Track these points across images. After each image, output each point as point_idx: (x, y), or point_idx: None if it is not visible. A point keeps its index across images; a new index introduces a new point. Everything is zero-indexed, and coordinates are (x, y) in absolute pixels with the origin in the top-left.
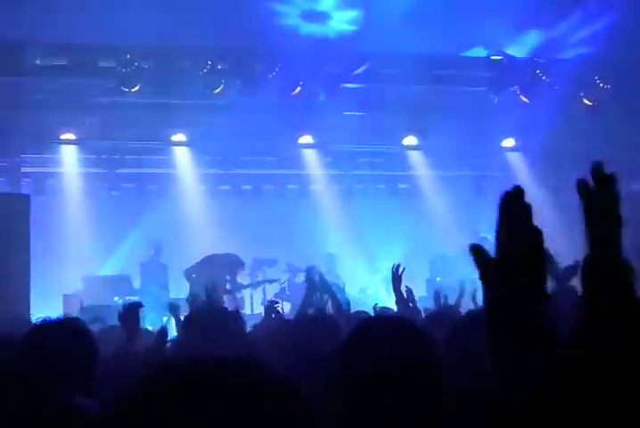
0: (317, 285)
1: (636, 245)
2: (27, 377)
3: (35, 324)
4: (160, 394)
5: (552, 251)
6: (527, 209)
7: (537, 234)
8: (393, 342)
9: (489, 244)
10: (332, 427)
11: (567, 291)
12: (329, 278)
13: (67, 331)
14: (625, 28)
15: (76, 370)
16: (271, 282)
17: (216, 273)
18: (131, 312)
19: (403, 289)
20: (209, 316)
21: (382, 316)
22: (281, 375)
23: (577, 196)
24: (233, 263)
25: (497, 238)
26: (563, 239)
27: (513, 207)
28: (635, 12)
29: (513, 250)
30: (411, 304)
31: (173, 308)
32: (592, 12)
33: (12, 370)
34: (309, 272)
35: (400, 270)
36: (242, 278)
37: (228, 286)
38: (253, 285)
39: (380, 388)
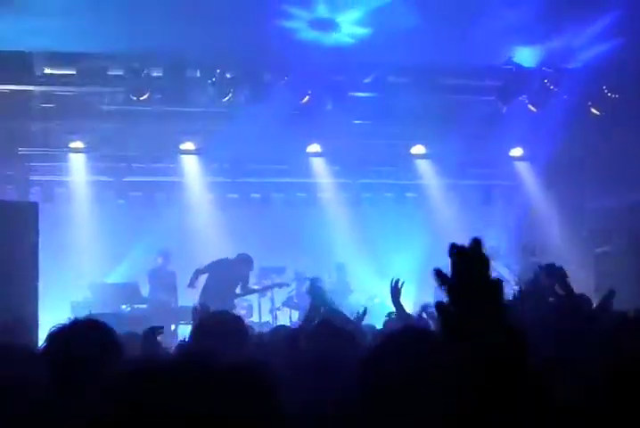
0: (321, 299)
1: None
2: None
3: (62, 326)
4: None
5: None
6: (485, 262)
7: (494, 288)
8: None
9: (497, 253)
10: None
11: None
12: (339, 287)
13: (95, 339)
14: (634, 37)
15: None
16: (280, 286)
17: (227, 275)
18: (150, 337)
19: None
20: (214, 324)
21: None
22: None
23: (581, 205)
24: (246, 262)
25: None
26: (569, 246)
27: (472, 259)
28: None
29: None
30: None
31: None
32: (600, 21)
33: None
34: (313, 284)
35: (400, 284)
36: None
37: (239, 290)
38: (263, 290)
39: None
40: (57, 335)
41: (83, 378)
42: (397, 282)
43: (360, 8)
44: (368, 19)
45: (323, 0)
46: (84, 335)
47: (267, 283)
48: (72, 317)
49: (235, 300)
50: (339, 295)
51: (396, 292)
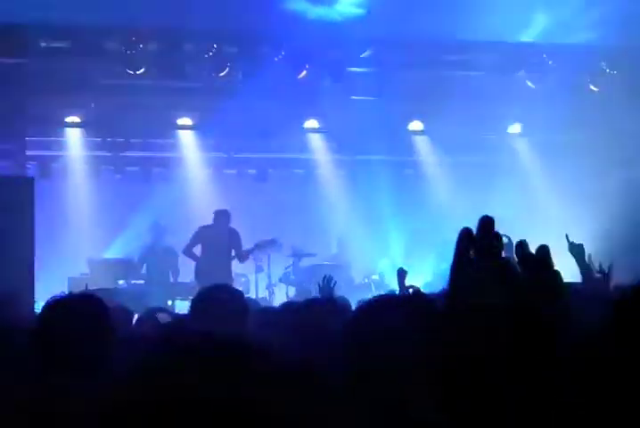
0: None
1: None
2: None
3: (53, 299)
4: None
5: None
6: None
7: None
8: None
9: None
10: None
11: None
12: (340, 262)
13: (86, 310)
14: (633, 13)
15: (90, 352)
16: (272, 244)
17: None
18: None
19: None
20: (214, 297)
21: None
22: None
23: (579, 181)
24: (222, 217)
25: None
26: (565, 221)
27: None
28: None
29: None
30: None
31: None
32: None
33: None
34: (326, 284)
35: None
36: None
37: (233, 253)
38: (256, 248)
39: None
40: (51, 308)
41: (76, 352)
42: (401, 270)
43: None
44: None
45: None
46: (78, 308)
47: (264, 258)
48: (68, 292)
49: (233, 275)
50: (340, 270)
51: (402, 278)
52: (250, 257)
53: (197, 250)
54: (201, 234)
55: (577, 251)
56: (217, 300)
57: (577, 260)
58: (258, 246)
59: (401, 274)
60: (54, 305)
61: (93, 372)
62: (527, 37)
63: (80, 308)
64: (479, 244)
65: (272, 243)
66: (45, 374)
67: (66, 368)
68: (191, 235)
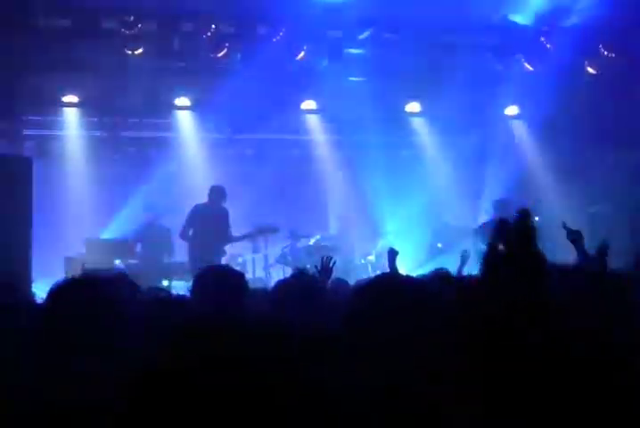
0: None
1: None
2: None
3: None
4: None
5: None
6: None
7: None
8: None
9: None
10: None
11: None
12: (340, 243)
13: (94, 295)
14: None
15: (102, 336)
16: (274, 230)
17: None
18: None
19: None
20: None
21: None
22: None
23: (577, 163)
24: (218, 194)
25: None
26: (562, 204)
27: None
28: None
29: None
30: None
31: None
32: None
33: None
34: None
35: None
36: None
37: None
38: (253, 234)
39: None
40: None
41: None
42: (392, 250)
43: None
44: None
45: None
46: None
47: (262, 242)
48: (67, 274)
49: (227, 256)
50: (337, 251)
51: (392, 258)
52: (242, 240)
53: (191, 231)
54: (196, 214)
55: (575, 237)
56: (219, 282)
57: (576, 247)
58: (260, 230)
59: (391, 254)
60: (59, 292)
61: (106, 355)
62: (524, 19)
63: (88, 294)
64: (515, 237)
65: (273, 230)
66: (56, 359)
67: (78, 354)
68: (186, 216)
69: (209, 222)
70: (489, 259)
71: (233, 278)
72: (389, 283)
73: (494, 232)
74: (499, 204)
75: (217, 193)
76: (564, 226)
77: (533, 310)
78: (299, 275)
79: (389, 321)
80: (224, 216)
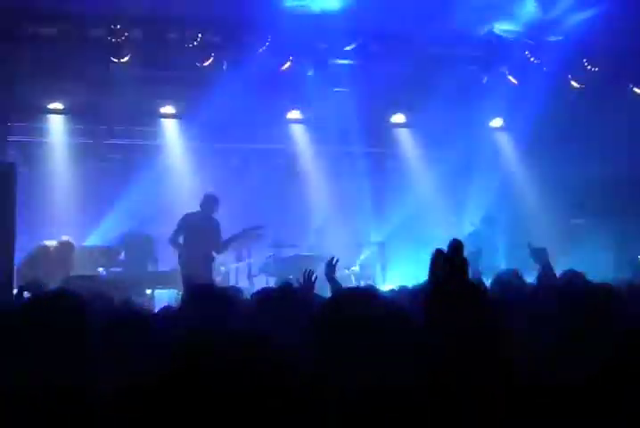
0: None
1: None
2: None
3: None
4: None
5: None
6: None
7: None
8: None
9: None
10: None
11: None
12: (317, 252)
13: (61, 305)
14: (614, 11)
15: (68, 347)
16: (259, 228)
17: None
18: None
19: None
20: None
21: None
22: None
23: (560, 175)
24: (210, 202)
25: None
26: (546, 216)
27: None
28: None
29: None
30: None
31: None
32: None
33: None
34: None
35: (335, 261)
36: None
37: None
38: (241, 235)
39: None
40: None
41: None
42: (332, 259)
43: None
44: None
45: None
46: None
47: (244, 250)
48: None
49: (215, 263)
50: (320, 262)
51: (330, 269)
52: (232, 245)
53: (182, 238)
54: (185, 223)
55: (539, 255)
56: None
57: (539, 263)
58: (245, 231)
59: (330, 269)
60: (32, 305)
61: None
62: (510, 32)
63: (58, 307)
64: (450, 264)
65: (259, 228)
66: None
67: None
68: (176, 224)
69: (198, 232)
70: (432, 288)
71: (220, 294)
72: (351, 298)
73: (431, 262)
74: (486, 219)
75: (208, 201)
76: (528, 245)
77: (469, 339)
78: (281, 287)
79: (347, 334)
80: (215, 227)
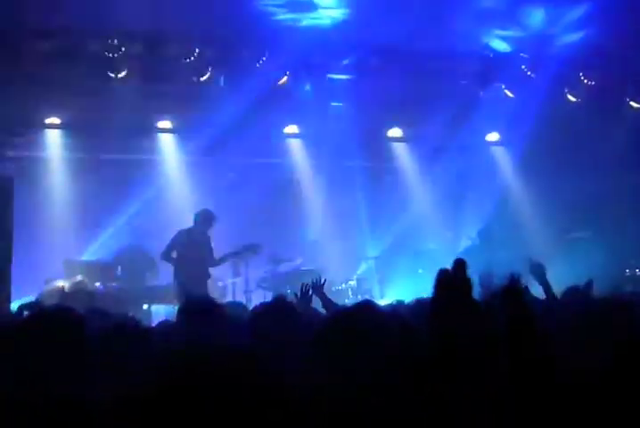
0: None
1: None
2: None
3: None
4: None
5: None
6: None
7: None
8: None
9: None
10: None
11: None
12: (312, 265)
13: (59, 323)
14: (610, 25)
15: (68, 360)
16: (253, 249)
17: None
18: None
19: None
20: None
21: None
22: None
23: (557, 189)
24: (205, 220)
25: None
26: (543, 229)
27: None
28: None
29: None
30: None
31: None
32: (577, 9)
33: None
34: (304, 294)
35: (323, 281)
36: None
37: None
38: (236, 254)
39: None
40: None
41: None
42: (319, 280)
43: None
44: (346, 0)
45: None
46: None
47: (241, 263)
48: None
49: (211, 279)
50: (313, 275)
51: (318, 288)
52: (229, 260)
53: (175, 254)
54: (178, 240)
55: (537, 270)
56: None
57: (537, 279)
58: (244, 248)
59: (317, 288)
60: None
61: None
62: (508, 40)
63: (57, 321)
64: (455, 285)
65: (257, 246)
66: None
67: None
68: (170, 239)
69: (191, 249)
70: (436, 306)
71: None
72: (351, 314)
73: (436, 282)
74: (484, 233)
75: (203, 218)
76: (529, 260)
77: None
78: (277, 302)
79: (347, 348)
80: (206, 242)
